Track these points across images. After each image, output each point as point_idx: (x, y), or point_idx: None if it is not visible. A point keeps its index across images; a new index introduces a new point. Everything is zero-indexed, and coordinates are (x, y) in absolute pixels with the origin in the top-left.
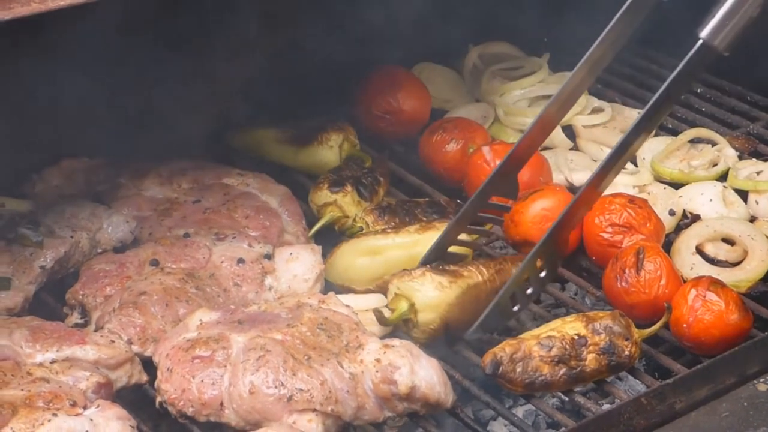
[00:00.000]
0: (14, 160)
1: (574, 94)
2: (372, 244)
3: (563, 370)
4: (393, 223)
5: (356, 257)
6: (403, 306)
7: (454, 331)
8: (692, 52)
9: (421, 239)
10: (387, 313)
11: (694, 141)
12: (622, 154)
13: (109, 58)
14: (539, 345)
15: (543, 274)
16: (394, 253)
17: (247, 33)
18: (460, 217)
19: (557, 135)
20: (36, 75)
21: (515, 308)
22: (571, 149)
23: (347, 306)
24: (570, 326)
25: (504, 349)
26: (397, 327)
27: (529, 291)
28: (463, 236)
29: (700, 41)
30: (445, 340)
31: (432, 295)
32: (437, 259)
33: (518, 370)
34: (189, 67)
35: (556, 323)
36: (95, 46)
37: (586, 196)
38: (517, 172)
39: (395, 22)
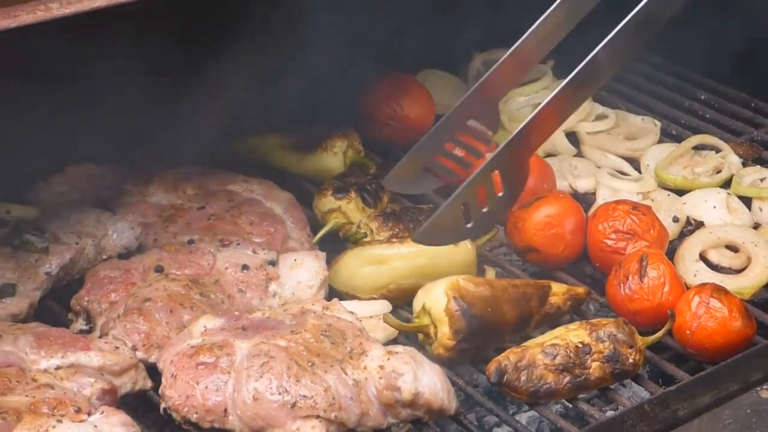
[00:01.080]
0: (19, 167)
1: (552, 35)
2: (377, 253)
3: (567, 378)
4: (397, 230)
5: (361, 265)
6: (425, 320)
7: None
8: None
9: (427, 250)
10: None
11: (697, 148)
12: (586, 77)
13: (115, 63)
14: (543, 353)
15: (500, 194)
16: (399, 262)
17: (252, 39)
18: (433, 132)
19: (561, 142)
20: (41, 81)
21: (468, 225)
22: (575, 156)
23: (351, 312)
24: (574, 334)
25: (508, 358)
26: (420, 341)
27: (485, 210)
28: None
29: None
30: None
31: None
32: (405, 176)
33: (523, 378)
34: (194, 74)
35: (559, 331)
36: (101, 52)
37: (549, 110)
38: (497, 101)
39: (400, 30)
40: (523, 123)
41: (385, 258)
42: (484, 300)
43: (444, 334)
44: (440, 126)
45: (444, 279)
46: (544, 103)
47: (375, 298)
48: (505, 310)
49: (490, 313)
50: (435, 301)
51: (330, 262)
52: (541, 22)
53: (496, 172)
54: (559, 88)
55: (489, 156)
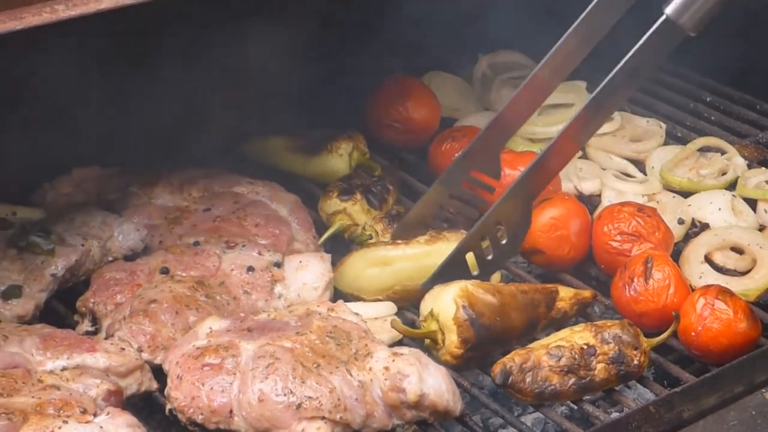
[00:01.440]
0: (26, 169)
1: (566, 62)
2: (382, 255)
3: (572, 380)
4: None
5: (366, 267)
6: (432, 326)
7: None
8: (655, 26)
9: (432, 251)
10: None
11: (703, 150)
12: (576, 130)
13: (121, 66)
14: (548, 355)
15: (504, 242)
16: (404, 264)
17: (258, 42)
18: (440, 182)
19: None
20: (48, 83)
21: (474, 273)
22: (580, 158)
23: (356, 314)
24: (579, 336)
25: (513, 359)
26: (427, 346)
27: (489, 257)
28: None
29: (664, 17)
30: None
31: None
32: (416, 225)
33: (528, 380)
34: (200, 76)
35: (564, 333)
36: (108, 54)
37: (544, 162)
38: (500, 147)
39: (405, 32)
40: (520, 175)
41: (390, 259)
42: (493, 309)
43: (452, 342)
44: (445, 177)
45: (453, 284)
46: (537, 157)
47: (380, 300)
48: (513, 318)
49: (499, 321)
50: (443, 307)
51: (335, 263)
52: (554, 51)
53: (500, 227)
54: (548, 145)
55: (491, 206)
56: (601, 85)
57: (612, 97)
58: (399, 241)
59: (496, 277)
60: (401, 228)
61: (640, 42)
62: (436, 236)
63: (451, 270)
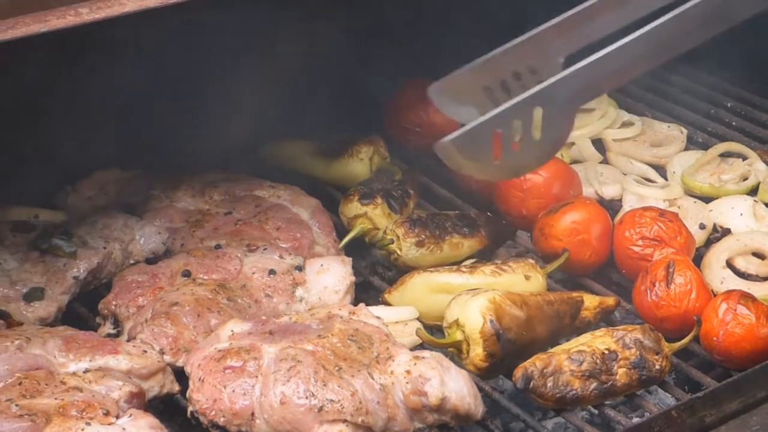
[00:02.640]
0: (48, 172)
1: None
2: (445, 282)
3: (594, 385)
4: (423, 236)
5: (428, 293)
6: (458, 336)
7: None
8: None
9: (496, 283)
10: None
11: (724, 155)
12: (638, 44)
13: (142, 70)
14: (570, 360)
15: (537, 138)
16: None
17: (279, 46)
18: (489, 60)
19: (587, 148)
20: (69, 87)
21: (496, 162)
22: (601, 163)
23: (378, 317)
24: (600, 341)
25: (534, 364)
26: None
27: (516, 151)
28: None
29: None
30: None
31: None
32: (452, 91)
33: (549, 384)
34: (221, 80)
35: (586, 338)
36: (129, 58)
37: (616, 55)
38: (562, 53)
39: (426, 36)
40: (581, 63)
41: (453, 288)
42: (520, 323)
43: (477, 354)
44: (497, 55)
45: (480, 294)
46: (613, 46)
47: (438, 324)
48: (538, 331)
49: (525, 336)
50: (470, 318)
51: (356, 267)
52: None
53: (539, 109)
54: (636, 34)
55: (536, 87)
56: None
57: (698, 20)
58: (464, 269)
59: (542, 283)
60: (436, 89)
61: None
62: (501, 267)
63: (471, 144)
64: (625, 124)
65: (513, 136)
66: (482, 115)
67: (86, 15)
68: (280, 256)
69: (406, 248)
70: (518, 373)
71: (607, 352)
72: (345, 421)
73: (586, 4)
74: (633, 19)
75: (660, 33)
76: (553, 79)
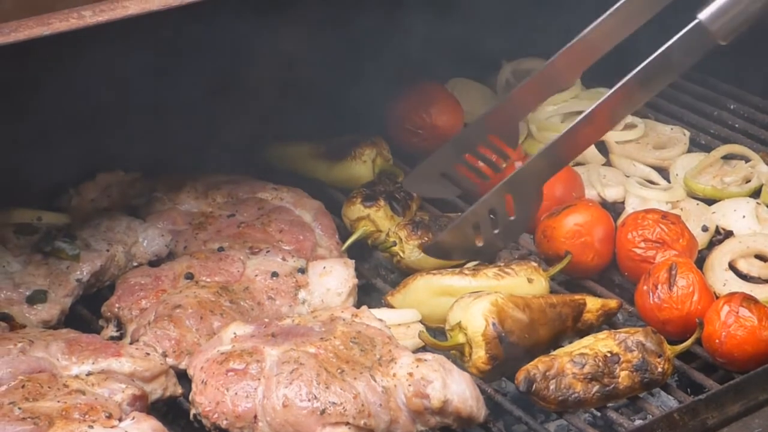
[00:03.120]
0: (51, 174)
1: (587, 53)
2: (447, 284)
3: (596, 388)
4: (426, 238)
5: (430, 296)
6: (460, 338)
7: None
8: (687, 29)
9: (499, 286)
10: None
11: (727, 157)
12: (588, 123)
13: (145, 72)
14: (572, 362)
15: (512, 219)
16: None
17: (282, 49)
18: (456, 140)
19: (590, 150)
20: (72, 88)
21: (479, 243)
22: (604, 165)
23: (380, 320)
24: (602, 343)
25: (537, 366)
26: (454, 357)
27: (496, 231)
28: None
29: (697, 21)
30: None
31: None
32: (425, 178)
33: (551, 387)
34: (224, 82)
35: (588, 340)
36: (131, 60)
37: (564, 141)
38: (520, 117)
39: (429, 39)
40: (539, 151)
41: (456, 290)
42: (523, 326)
43: (479, 357)
44: (462, 136)
45: (483, 297)
46: (560, 134)
47: (441, 326)
48: (541, 334)
49: (527, 339)
50: (472, 321)
51: (358, 269)
52: (574, 43)
53: (509, 195)
54: (575, 122)
55: (503, 179)
56: (630, 75)
57: (639, 89)
58: (467, 272)
59: (545, 286)
60: (411, 178)
61: (670, 41)
62: (504, 270)
63: (456, 238)
64: (628, 126)
65: (491, 223)
66: (457, 188)
67: (89, 18)
68: (283, 259)
69: (409, 250)
70: (521, 375)
71: (609, 354)
72: (347, 423)
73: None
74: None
75: (606, 107)
76: (517, 168)
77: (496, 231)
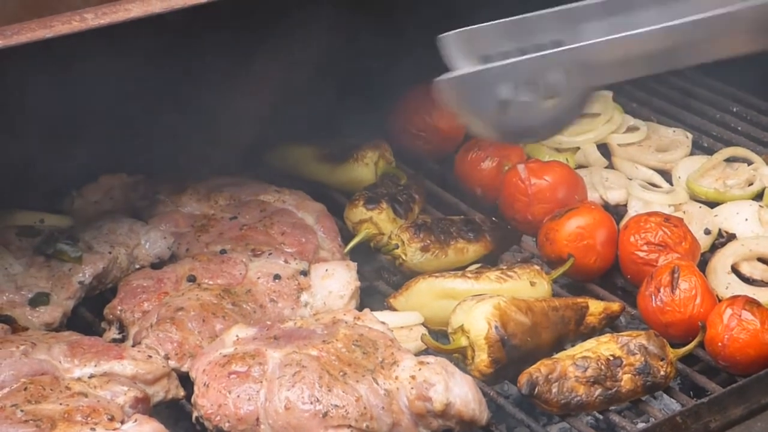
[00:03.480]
0: (53, 176)
1: None
2: (450, 287)
3: (599, 391)
4: (428, 241)
5: (433, 299)
6: (462, 342)
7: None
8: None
9: (502, 289)
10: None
11: (729, 160)
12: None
13: (147, 75)
14: (574, 365)
15: (551, 103)
16: None
17: (283, 51)
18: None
19: (592, 153)
20: (74, 91)
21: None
22: (606, 168)
23: (382, 323)
24: (605, 347)
25: (539, 370)
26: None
27: (524, 98)
28: None
29: None
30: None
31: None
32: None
33: (554, 390)
34: (226, 85)
35: (590, 343)
36: (134, 63)
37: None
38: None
39: (432, 40)
40: (621, 34)
41: (459, 293)
42: (525, 329)
43: (482, 360)
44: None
45: (486, 300)
46: (659, 26)
47: (444, 329)
48: (543, 338)
49: (530, 342)
50: (475, 325)
51: (360, 272)
52: None
53: (560, 71)
54: (685, 19)
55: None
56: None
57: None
58: (469, 275)
59: (547, 289)
60: (452, 38)
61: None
62: (507, 273)
63: (475, 87)
64: (631, 129)
65: (523, 94)
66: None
67: (91, 21)
68: (285, 261)
69: (411, 253)
70: (523, 379)
71: (611, 358)
72: (349, 426)
73: None
74: (677, 20)
75: (709, 25)
76: (586, 42)
77: (525, 99)
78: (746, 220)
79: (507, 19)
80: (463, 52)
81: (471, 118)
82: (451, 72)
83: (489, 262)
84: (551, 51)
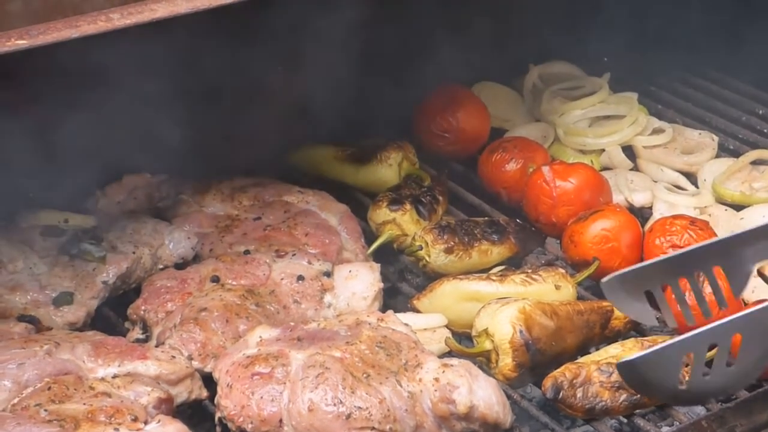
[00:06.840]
0: (78, 176)
1: None
2: (475, 290)
3: (623, 396)
4: (452, 243)
5: (458, 301)
6: (487, 345)
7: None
8: None
9: (526, 293)
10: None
11: (755, 163)
12: None
13: (172, 75)
14: (599, 371)
15: (732, 366)
16: None
17: (308, 52)
18: (677, 257)
19: (617, 155)
20: (100, 92)
21: (681, 387)
22: (632, 170)
23: (406, 324)
24: (630, 352)
25: (564, 374)
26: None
27: (707, 377)
28: None
29: None
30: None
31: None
32: (623, 288)
33: (578, 395)
34: (250, 86)
35: (615, 349)
36: (158, 64)
37: None
38: (753, 262)
39: (456, 41)
40: None
41: (483, 296)
42: (550, 333)
43: (506, 364)
44: (686, 254)
45: (510, 303)
46: None
47: (467, 332)
48: (568, 342)
49: (554, 346)
50: (499, 328)
51: (384, 273)
52: None
53: (738, 334)
54: None
55: (736, 314)
56: None
57: None
58: (494, 278)
59: (572, 293)
60: (610, 283)
61: None
62: (532, 276)
63: (655, 367)
64: (656, 131)
65: (704, 362)
66: (657, 314)
67: (117, 20)
68: (309, 262)
69: (435, 255)
70: (548, 383)
71: None
72: (373, 428)
73: None
74: None
75: None
76: (759, 307)
77: (706, 377)
78: None
79: (663, 256)
80: (625, 292)
81: (655, 391)
82: (633, 354)
83: (513, 264)
84: (732, 318)
